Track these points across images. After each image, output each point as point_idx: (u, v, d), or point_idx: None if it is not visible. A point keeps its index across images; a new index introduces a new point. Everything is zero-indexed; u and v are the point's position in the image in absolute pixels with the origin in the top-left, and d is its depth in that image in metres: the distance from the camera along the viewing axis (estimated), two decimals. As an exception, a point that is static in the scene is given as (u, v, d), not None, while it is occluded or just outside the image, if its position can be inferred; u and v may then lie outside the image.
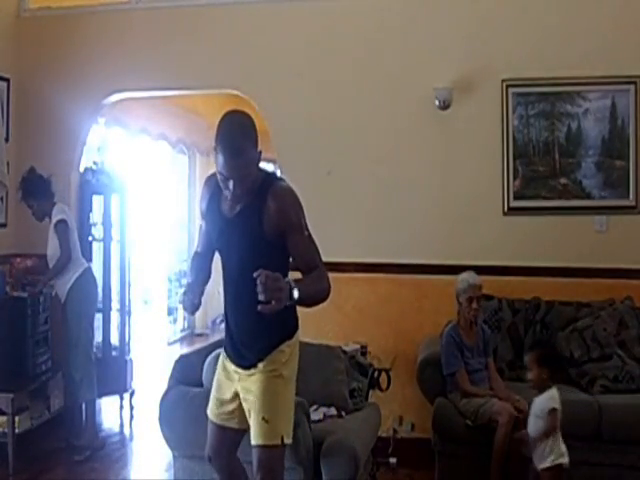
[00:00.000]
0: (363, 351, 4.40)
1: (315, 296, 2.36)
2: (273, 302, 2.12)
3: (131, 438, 4.96)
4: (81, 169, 5.45)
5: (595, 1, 4.60)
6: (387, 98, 4.79)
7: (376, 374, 4.19)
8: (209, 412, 2.70)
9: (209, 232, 2.64)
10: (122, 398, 5.55)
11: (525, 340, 4.37)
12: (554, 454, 3.33)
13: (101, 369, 4.99)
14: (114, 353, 5.59)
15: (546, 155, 4.61)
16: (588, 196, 4.58)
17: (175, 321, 9.01)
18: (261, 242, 2.40)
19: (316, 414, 3.54)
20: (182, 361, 3.64)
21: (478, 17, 4.70)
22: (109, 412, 5.59)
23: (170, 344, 8.49)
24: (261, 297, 2.11)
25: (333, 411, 3.63)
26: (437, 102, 4.64)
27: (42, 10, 5.43)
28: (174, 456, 3.53)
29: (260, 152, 2.41)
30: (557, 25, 4.60)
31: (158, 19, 5.16)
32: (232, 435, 2.66)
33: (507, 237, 4.64)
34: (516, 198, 4.65)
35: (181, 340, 8.77)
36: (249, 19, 5.02)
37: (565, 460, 3.33)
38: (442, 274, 4.55)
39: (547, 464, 3.32)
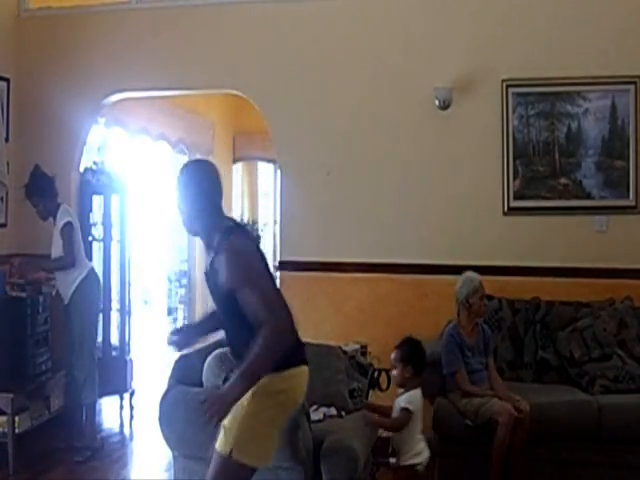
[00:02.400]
0: (363, 351, 4.40)
1: (265, 361, 2.37)
2: (212, 417, 2.35)
3: (131, 438, 4.96)
4: (81, 169, 5.44)
5: (595, 1, 4.60)
6: (387, 98, 4.79)
7: (376, 374, 4.19)
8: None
9: None
10: (122, 398, 5.55)
11: (525, 340, 4.37)
12: (410, 453, 3.41)
13: (101, 369, 4.98)
14: (114, 353, 5.59)
15: (546, 155, 4.61)
16: (588, 196, 4.58)
17: (175, 321, 9.00)
18: (224, 297, 2.49)
19: (316, 414, 3.54)
20: (182, 361, 3.63)
21: (478, 17, 4.70)
22: (109, 412, 5.59)
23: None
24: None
25: (333, 411, 3.62)
26: (437, 102, 4.64)
27: (42, 10, 5.43)
28: (174, 456, 3.53)
29: (216, 202, 2.59)
30: (557, 25, 4.59)
31: (158, 19, 5.16)
32: None
33: (507, 237, 4.64)
34: (516, 198, 4.64)
35: (181, 340, 8.74)
36: (249, 19, 5.02)
37: (418, 460, 3.41)
38: (442, 274, 4.55)
39: (411, 461, 3.41)
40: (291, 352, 2.48)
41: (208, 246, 2.55)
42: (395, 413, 3.47)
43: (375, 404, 3.80)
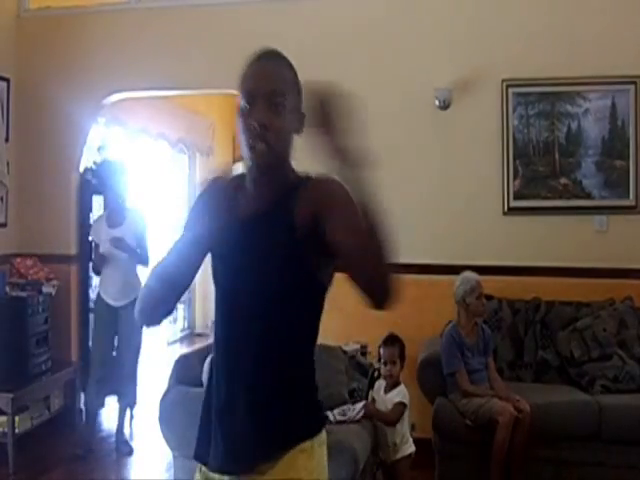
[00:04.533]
0: (363, 351, 4.40)
1: (383, 241, 1.60)
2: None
3: (131, 438, 4.96)
4: (81, 169, 5.44)
5: (595, 1, 4.60)
6: (387, 98, 4.79)
7: (376, 374, 4.19)
8: None
9: (199, 242, 1.65)
10: (122, 398, 5.54)
11: (525, 340, 4.37)
12: (407, 443, 3.53)
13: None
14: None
15: (546, 155, 4.61)
16: (588, 196, 4.58)
17: (175, 321, 9.00)
18: (293, 256, 1.59)
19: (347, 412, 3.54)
20: (182, 361, 3.64)
21: (478, 17, 4.70)
22: (109, 412, 5.58)
23: (170, 344, 8.48)
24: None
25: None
26: (437, 102, 4.64)
27: (42, 10, 5.43)
28: (174, 456, 3.53)
29: (302, 116, 1.66)
30: (557, 25, 4.59)
31: (158, 19, 5.16)
32: None
33: (507, 237, 4.64)
34: (516, 198, 4.64)
35: (181, 340, 8.76)
36: (249, 19, 5.01)
37: (413, 448, 3.56)
38: (442, 274, 4.55)
39: (401, 454, 3.51)
40: (321, 406, 1.75)
41: (274, 183, 1.65)
42: (386, 408, 3.56)
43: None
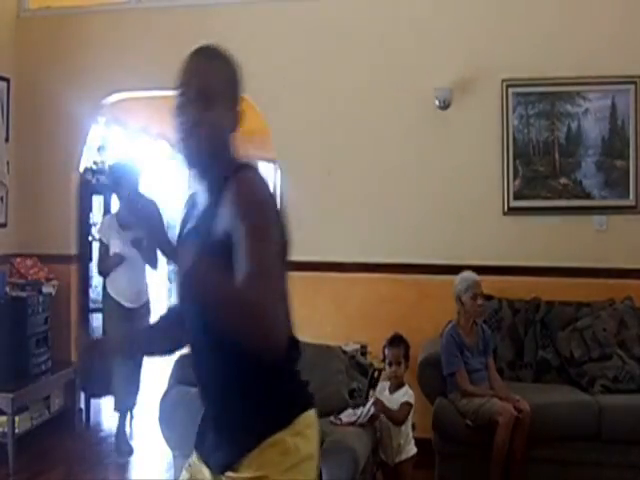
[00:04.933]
0: (363, 351, 4.40)
1: (210, 291, 1.42)
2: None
3: (131, 438, 4.96)
4: (81, 169, 5.44)
5: (595, 1, 4.60)
6: (387, 98, 4.79)
7: (376, 374, 4.19)
8: None
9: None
10: (122, 398, 5.54)
11: (525, 340, 4.37)
12: (410, 444, 3.53)
13: (101, 369, 4.98)
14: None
15: (546, 155, 4.61)
16: (588, 196, 4.58)
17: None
18: (220, 255, 1.51)
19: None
20: (182, 361, 3.63)
21: (478, 17, 4.70)
22: (109, 412, 5.58)
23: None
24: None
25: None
26: (437, 102, 4.64)
27: (42, 10, 5.43)
28: (174, 456, 3.53)
29: (239, 116, 1.69)
30: (557, 25, 4.59)
31: (158, 19, 5.15)
32: None
33: (507, 237, 4.64)
34: (516, 198, 4.64)
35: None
36: (249, 19, 5.01)
37: (416, 450, 3.56)
38: (442, 274, 4.54)
39: (404, 456, 3.51)
40: (299, 391, 1.70)
41: (209, 182, 1.67)
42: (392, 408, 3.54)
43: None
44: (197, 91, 1.62)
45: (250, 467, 1.57)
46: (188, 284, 1.44)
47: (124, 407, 4.77)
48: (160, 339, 1.85)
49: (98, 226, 5.03)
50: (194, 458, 1.74)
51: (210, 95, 1.62)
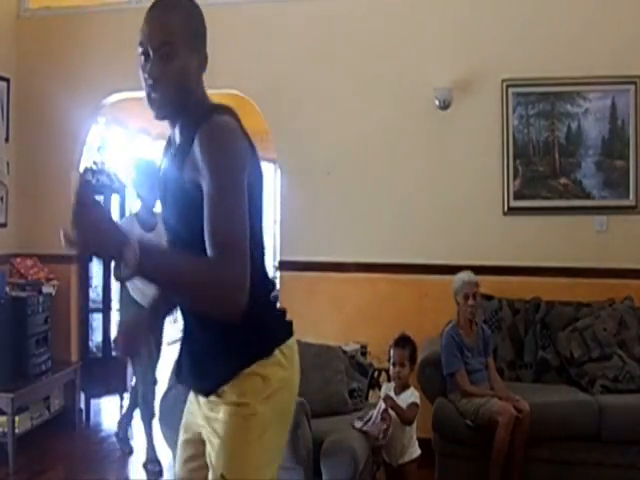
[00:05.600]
0: (363, 351, 4.41)
1: (178, 286, 1.48)
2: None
3: (131, 438, 4.95)
4: (81, 169, 5.44)
5: (595, 1, 4.60)
6: (387, 98, 4.79)
7: (376, 374, 4.19)
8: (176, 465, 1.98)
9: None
10: (122, 398, 5.55)
11: (525, 340, 4.37)
12: (414, 446, 3.50)
13: (101, 369, 4.99)
14: (114, 353, 5.59)
15: (546, 155, 4.61)
16: (588, 196, 4.58)
17: (175, 321, 8.99)
18: (186, 204, 1.64)
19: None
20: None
21: (478, 17, 4.70)
22: (109, 412, 5.59)
23: (170, 344, 8.47)
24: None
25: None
26: (437, 102, 4.64)
27: (42, 10, 5.43)
28: (174, 456, 3.53)
29: (204, 59, 1.75)
30: (557, 25, 4.59)
31: (158, 19, 5.15)
32: None
33: (507, 237, 4.64)
34: (516, 198, 4.64)
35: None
36: (249, 19, 5.01)
37: (419, 451, 3.53)
38: (442, 274, 4.54)
39: (408, 457, 3.48)
40: (278, 321, 1.81)
41: (180, 125, 1.74)
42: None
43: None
44: (158, 44, 1.64)
45: (233, 394, 1.69)
46: (157, 286, 1.57)
47: (148, 415, 4.42)
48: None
49: None
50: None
51: (171, 46, 1.65)
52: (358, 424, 3.45)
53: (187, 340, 1.83)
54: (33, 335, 4.67)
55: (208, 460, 1.76)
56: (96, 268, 5.48)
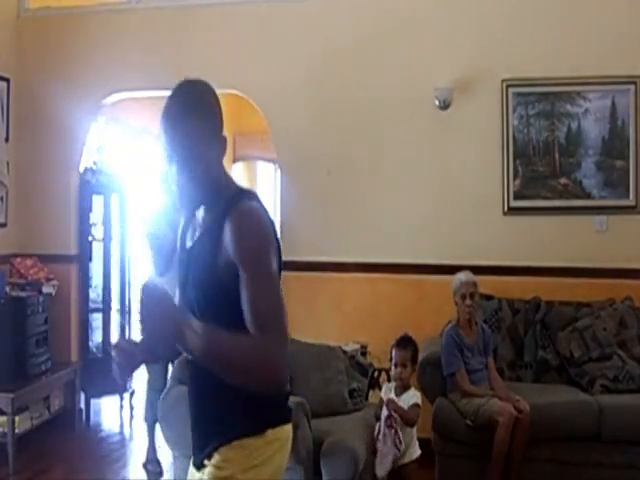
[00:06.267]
0: (363, 351, 4.41)
1: (227, 363, 1.54)
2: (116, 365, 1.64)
3: (131, 438, 4.96)
4: (81, 169, 5.44)
5: (595, 2, 4.60)
6: (387, 98, 4.79)
7: (376, 374, 4.19)
8: None
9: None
10: (122, 398, 5.55)
11: (525, 340, 4.37)
12: (414, 447, 3.49)
13: (101, 369, 4.99)
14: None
15: (546, 155, 4.61)
16: (588, 196, 4.58)
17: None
18: (214, 282, 1.69)
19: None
20: (182, 361, 3.63)
21: (478, 17, 4.70)
22: (109, 412, 5.59)
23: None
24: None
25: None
26: (437, 102, 4.64)
27: (42, 10, 5.43)
28: (174, 456, 3.53)
29: (224, 140, 1.74)
30: (557, 25, 4.60)
31: (158, 19, 5.16)
32: None
33: (507, 237, 4.64)
34: (516, 198, 4.64)
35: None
36: (249, 19, 5.01)
37: (419, 452, 3.52)
38: (442, 274, 4.54)
39: (408, 458, 3.46)
40: (279, 404, 1.80)
41: (205, 209, 1.77)
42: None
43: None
44: (181, 155, 1.68)
45: (219, 457, 1.73)
46: (205, 362, 1.55)
47: (151, 417, 4.28)
48: None
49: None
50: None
51: (193, 152, 1.68)
52: (380, 469, 3.43)
53: (193, 409, 1.86)
54: (33, 335, 4.67)
55: None
56: (96, 268, 5.48)
